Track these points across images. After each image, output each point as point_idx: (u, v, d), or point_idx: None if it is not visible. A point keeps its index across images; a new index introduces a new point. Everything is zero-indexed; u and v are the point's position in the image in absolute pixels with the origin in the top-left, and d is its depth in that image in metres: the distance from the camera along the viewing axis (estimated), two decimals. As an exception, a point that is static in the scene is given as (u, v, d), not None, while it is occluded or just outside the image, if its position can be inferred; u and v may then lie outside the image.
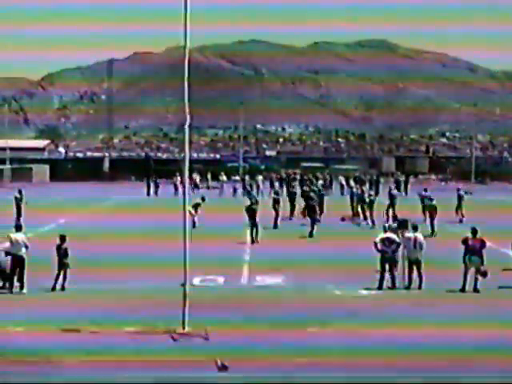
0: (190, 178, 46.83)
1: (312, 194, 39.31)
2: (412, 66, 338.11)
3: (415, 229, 23.17)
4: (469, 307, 19.76)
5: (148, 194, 63.91)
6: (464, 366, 14.62)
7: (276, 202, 39.04)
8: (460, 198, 41.87)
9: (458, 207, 41.21)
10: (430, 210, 36.38)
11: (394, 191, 44.24)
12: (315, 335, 16.79)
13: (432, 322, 17.96)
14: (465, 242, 22.06)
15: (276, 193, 41.11)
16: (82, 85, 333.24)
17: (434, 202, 36.73)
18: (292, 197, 43.96)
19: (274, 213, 38.44)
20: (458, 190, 43.43)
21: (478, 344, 16.02)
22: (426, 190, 41.02)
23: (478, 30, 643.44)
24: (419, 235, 22.83)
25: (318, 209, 36.97)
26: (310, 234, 34.46)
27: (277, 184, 60.40)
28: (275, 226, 37.76)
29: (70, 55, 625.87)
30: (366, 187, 50.48)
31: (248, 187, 60.19)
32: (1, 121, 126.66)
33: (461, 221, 39.73)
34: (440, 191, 43.83)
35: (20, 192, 41.25)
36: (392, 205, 41.47)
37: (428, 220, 35.68)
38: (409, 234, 22.78)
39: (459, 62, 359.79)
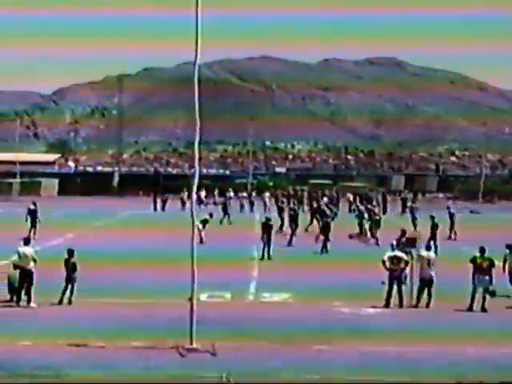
0: (196, 193, 46.84)
1: (327, 211, 39.45)
2: (422, 83, 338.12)
3: (428, 248, 23.19)
4: (476, 326, 19.69)
5: (155, 209, 63.88)
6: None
7: (292, 218, 39.06)
8: (451, 216, 42.21)
9: (451, 226, 41.63)
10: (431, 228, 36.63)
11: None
12: (322, 353, 16.76)
13: (440, 340, 17.91)
14: (473, 261, 22.02)
15: (292, 209, 41.20)
16: (93, 99, 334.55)
17: (436, 220, 36.88)
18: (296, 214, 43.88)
19: (289, 230, 38.44)
20: (448, 208, 43.84)
21: (486, 362, 15.98)
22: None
23: (488, 48, 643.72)
24: (432, 254, 22.82)
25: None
26: (323, 250, 34.70)
27: (284, 201, 60.34)
28: (290, 243, 37.52)
29: (81, 70, 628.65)
30: (374, 205, 50.52)
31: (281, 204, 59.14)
32: (11, 134, 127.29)
33: (454, 239, 40.74)
34: (446, 210, 43.77)
35: (34, 204, 41.26)
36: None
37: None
38: (423, 253, 22.77)
39: (469, 81, 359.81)
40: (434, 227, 36.31)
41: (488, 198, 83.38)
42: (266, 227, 33.63)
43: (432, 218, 37.20)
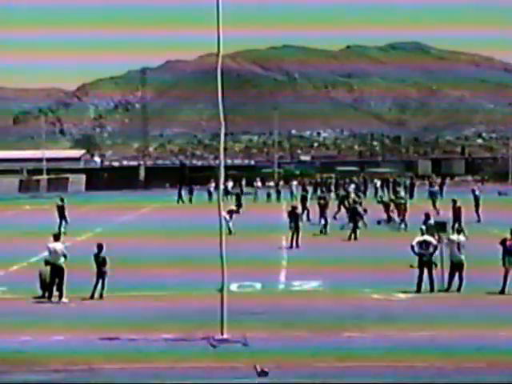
0: (223, 184, 46.85)
1: (357, 198, 39.45)
2: (446, 67, 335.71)
3: (459, 232, 23.08)
4: (509, 309, 19.55)
5: (178, 201, 63.82)
6: (503, 367, 14.46)
7: (323, 206, 38.93)
8: (476, 198, 42.38)
9: (477, 208, 41.89)
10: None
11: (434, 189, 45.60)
12: (353, 339, 16.71)
13: (472, 324, 17.80)
14: (503, 242, 21.83)
15: (322, 198, 41.14)
16: (116, 94, 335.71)
17: (458, 203, 36.77)
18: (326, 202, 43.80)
19: (321, 219, 38.35)
20: (473, 190, 43.84)
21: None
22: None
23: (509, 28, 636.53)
24: (462, 238, 22.68)
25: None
26: (353, 236, 34.83)
27: (310, 189, 60.34)
28: (325, 231, 37.41)
29: (103, 65, 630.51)
30: (401, 190, 50.41)
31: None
32: (37, 132, 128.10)
33: (478, 221, 40.58)
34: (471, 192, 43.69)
35: (62, 200, 41.48)
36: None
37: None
38: (453, 237, 22.64)
39: (494, 62, 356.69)
40: (457, 210, 36.23)
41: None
42: (293, 215, 33.57)
43: (454, 201, 37.11)
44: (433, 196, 48.48)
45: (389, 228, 39.46)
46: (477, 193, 42.96)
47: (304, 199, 46.03)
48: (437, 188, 50.96)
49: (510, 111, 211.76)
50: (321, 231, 37.41)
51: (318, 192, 54.70)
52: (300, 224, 33.50)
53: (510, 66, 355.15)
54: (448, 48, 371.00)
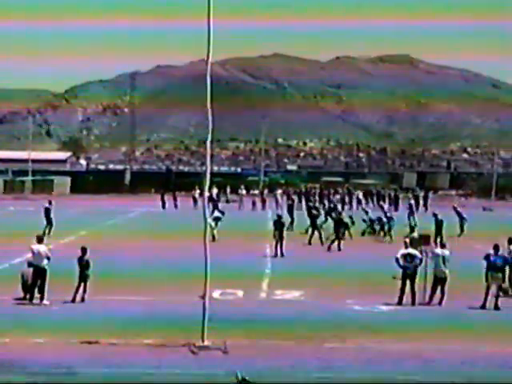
0: (208, 191, 46.84)
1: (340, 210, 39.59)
2: (435, 81, 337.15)
3: (443, 246, 23.16)
4: (489, 324, 19.63)
5: (163, 207, 63.84)
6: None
7: (314, 218, 38.86)
8: (459, 215, 41.73)
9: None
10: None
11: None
12: (334, 350, 16.73)
13: (453, 338, 17.87)
14: (487, 258, 21.93)
15: (315, 208, 41.26)
16: (105, 98, 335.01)
17: (439, 217, 37.29)
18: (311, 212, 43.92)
19: (315, 231, 38.09)
20: (455, 208, 43.02)
21: (499, 361, 15.92)
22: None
23: (501, 45, 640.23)
24: (447, 251, 22.75)
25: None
26: (338, 247, 34.92)
27: (295, 198, 60.40)
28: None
29: (92, 68, 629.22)
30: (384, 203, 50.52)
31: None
32: (24, 133, 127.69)
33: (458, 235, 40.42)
34: (459, 208, 43.78)
35: (50, 203, 41.64)
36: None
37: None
38: (437, 251, 22.73)
39: (482, 78, 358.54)
40: (439, 224, 36.54)
41: (501, 196, 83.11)
42: (278, 224, 33.62)
43: (435, 214, 37.44)
44: (410, 211, 47.11)
45: (373, 239, 39.59)
46: (458, 209, 42.73)
47: (291, 208, 46.24)
48: (413, 201, 50.08)
49: (496, 127, 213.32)
50: (309, 242, 37.24)
51: (307, 202, 54.58)
52: (285, 233, 33.52)
53: (498, 82, 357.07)
54: (437, 62, 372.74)
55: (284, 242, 32.96)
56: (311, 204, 46.26)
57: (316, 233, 37.71)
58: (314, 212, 39.71)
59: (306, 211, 44.26)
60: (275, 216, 35.78)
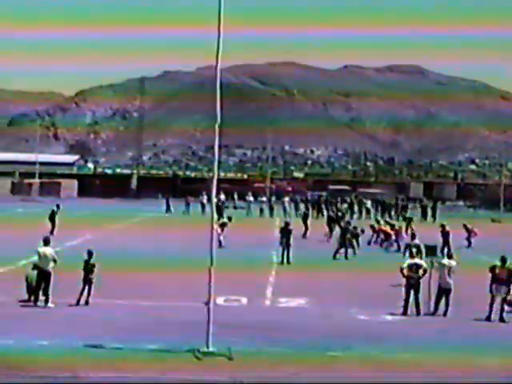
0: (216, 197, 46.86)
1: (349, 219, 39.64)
2: (443, 91, 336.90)
3: (450, 256, 23.10)
4: (494, 336, 19.56)
5: (167, 211, 64.40)
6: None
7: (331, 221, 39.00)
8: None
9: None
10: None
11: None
12: (337, 359, 16.69)
13: (457, 349, 17.80)
14: (492, 270, 21.85)
15: (338, 216, 41.57)
16: (114, 102, 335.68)
17: (447, 228, 37.31)
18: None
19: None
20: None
21: (503, 373, 15.86)
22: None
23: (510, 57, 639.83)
24: (453, 262, 22.67)
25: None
26: (345, 255, 35.03)
27: (302, 206, 60.71)
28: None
29: (102, 72, 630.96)
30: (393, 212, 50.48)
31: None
32: (32, 135, 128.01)
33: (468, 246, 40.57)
34: (467, 219, 43.79)
35: (58, 207, 42.20)
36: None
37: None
38: (444, 261, 22.68)
39: (492, 89, 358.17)
40: (446, 234, 36.45)
41: (509, 207, 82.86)
42: (285, 231, 33.58)
43: (442, 225, 37.41)
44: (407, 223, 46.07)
45: (380, 249, 39.51)
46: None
47: (306, 217, 46.08)
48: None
49: (503, 138, 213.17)
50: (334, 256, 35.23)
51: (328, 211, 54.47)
52: (291, 240, 33.40)
53: (506, 93, 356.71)
54: (446, 73, 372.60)
55: (291, 250, 32.92)
56: (332, 214, 46.12)
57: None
58: (346, 225, 37.99)
59: (326, 220, 44.34)
60: (282, 223, 35.78)
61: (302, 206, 61.75)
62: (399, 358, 16.81)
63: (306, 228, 44.08)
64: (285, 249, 32.92)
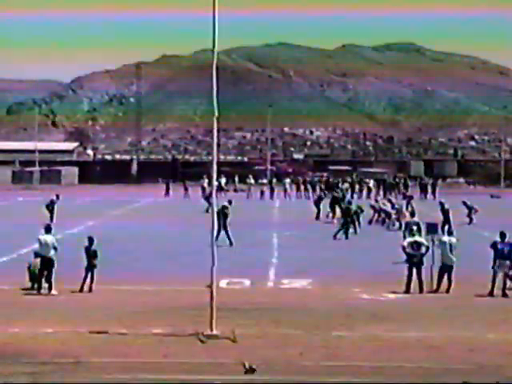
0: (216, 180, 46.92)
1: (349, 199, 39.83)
2: (441, 68, 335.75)
3: (450, 233, 23.12)
4: (497, 311, 19.60)
5: (165, 195, 65.37)
6: (490, 369, 14.49)
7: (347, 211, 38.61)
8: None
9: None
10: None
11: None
12: (341, 339, 16.73)
13: (460, 325, 17.85)
14: (494, 245, 21.89)
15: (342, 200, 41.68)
16: (111, 87, 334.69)
17: (446, 206, 37.00)
18: (318, 200, 44.30)
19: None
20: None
21: (506, 348, 15.90)
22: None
23: (509, 32, 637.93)
24: (454, 239, 22.71)
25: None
26: (345, 234, 34.90)
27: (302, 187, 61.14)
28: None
29: (98, 58, 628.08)
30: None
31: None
32: (31, 123, 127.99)
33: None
34: (467, 195, 43.75)
35: (58, 197, 42.28)
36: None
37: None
38: (444, 238, 22.71)
39: (489, 65, 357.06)
40: (446, 212, 36.43)
41: (508, 183, 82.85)
42: (222, 214, 30.96)
43: (441, 203, 37.40)
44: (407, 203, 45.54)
45: (381, 227, 39.53)
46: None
47: (320, 200, 45.67)
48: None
49: (503, 114, 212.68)
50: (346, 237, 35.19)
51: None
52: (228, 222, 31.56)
53: (505, 69, 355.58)
54: (444, 50, 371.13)
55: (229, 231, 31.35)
56: (337, 194, 45.80)
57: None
58: (347, 205, 37.80)
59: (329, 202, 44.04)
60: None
61: (317, 188, 62.01)
62: (403, 336, 16.84)
63: (319, 210, 44.02)
64: (221, 231, 30.32)
